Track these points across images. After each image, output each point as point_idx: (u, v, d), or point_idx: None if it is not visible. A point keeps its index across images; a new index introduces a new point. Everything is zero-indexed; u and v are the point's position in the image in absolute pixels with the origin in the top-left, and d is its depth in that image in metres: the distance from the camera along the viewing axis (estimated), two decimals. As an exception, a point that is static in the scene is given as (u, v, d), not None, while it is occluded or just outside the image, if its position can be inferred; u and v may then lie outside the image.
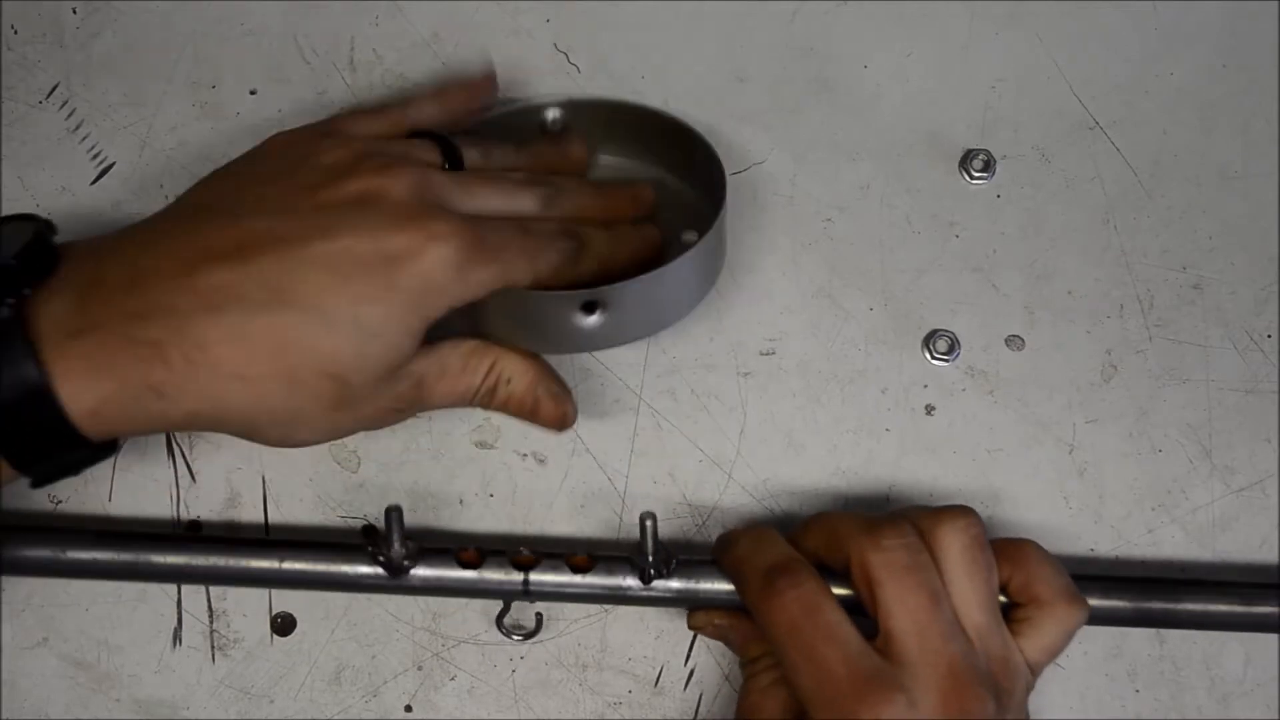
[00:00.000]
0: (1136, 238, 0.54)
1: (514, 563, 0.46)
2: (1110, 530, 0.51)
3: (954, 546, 0.42)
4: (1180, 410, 0.52)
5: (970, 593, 0.42)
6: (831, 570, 0.43)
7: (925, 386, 0.52)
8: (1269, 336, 0.53)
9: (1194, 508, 0.51)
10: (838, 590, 0.43)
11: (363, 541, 0.47)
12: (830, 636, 0.40)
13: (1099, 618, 0.47)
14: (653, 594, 0.46)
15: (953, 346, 0.52)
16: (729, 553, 0.45)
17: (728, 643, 0.48)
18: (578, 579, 0.46)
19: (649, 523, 0.45)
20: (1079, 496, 0.51)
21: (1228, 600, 0.47)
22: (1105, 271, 0.53)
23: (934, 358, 0.52)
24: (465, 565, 0.46)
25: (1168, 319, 0.53)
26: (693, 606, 0.48)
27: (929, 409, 0.52)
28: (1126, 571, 0.50)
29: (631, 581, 0.46)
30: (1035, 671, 0.43)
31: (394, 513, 0.45)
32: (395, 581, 0.46)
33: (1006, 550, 0.44)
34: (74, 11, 0.56)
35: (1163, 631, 0.50)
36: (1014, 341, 0.53)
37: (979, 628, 0.41)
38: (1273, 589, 0.48)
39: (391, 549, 0.45)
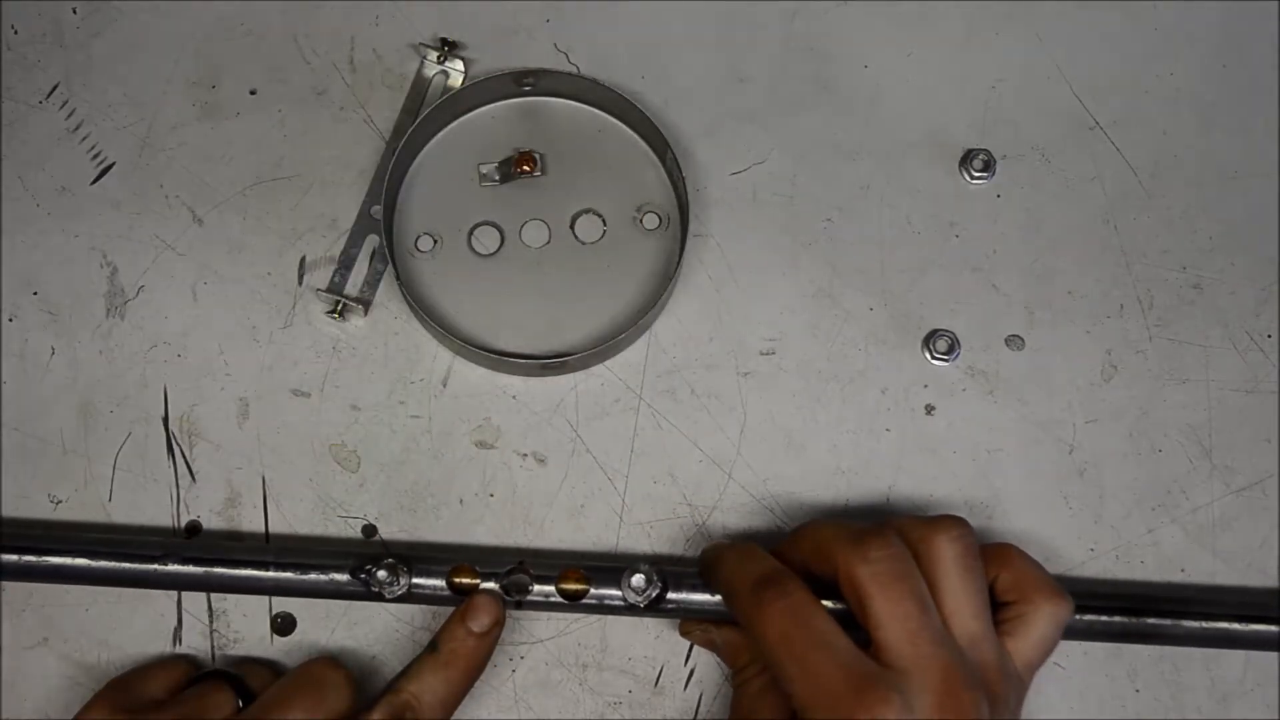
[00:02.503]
0: (1136, 238, 0.54)
1: (504, 589, 0.46)
2: (1110, 530, 0.51)
3: (948, 556, 0.42)
4: (1180, 410, 0.52)
5: (964, 602, 0.42)
6: (820, 581, 0.43)
7: (925, 386, 0.52)
8: (1269, 336, 0.53)
9: (1194, 508, 0.51)
10: (827, 603, 0.43)
11: (355, 566, 0.47)
12: (822, 643, 0.40)
13: (1095, 632, 0.47)
14: (642, 612, 0.47)
15: (953, 346, 0.52)
16: (716, 570, 0.45)
17: (716, 651, 0.48)
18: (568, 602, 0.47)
19: (639, 576, 0.45)
20: (1079, 496, 0.51)
21: (1225, 619, 0.47)
22: (1105, 271, 0.53)
23: (934, 358, 0.52)
24: (458, 592, 0.46)
25: (1168, 319, 0.53)
26: (683, 617, 0.48)
27: (929, 409, 0.52)
28: (1126, 576, 0.50)
29: (620, 604, 0.46)
30: (1031, 671, 0.43)
31: (391, 563, 0.46)
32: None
33: (990, 554, 0.44)
34: (74, 11, 0.56)
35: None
36: (1014, 341, 0.53)
37: (973, 635, 0.42)
38: (1271, 606, 0.48)
39: (383, 587, 0.46)
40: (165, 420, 0.51)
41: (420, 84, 0.55)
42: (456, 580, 0.46)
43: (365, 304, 0.52)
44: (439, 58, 0.55)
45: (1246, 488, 0.51)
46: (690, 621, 0.48)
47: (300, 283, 0.53)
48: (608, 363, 0.52)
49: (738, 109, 0.55)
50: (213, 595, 0.49)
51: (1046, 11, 0.57)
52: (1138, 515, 0.51)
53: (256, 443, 0.51)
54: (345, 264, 0.53)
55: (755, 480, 0.51)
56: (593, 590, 0.46)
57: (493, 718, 0.49)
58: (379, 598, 0.46)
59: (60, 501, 0.50)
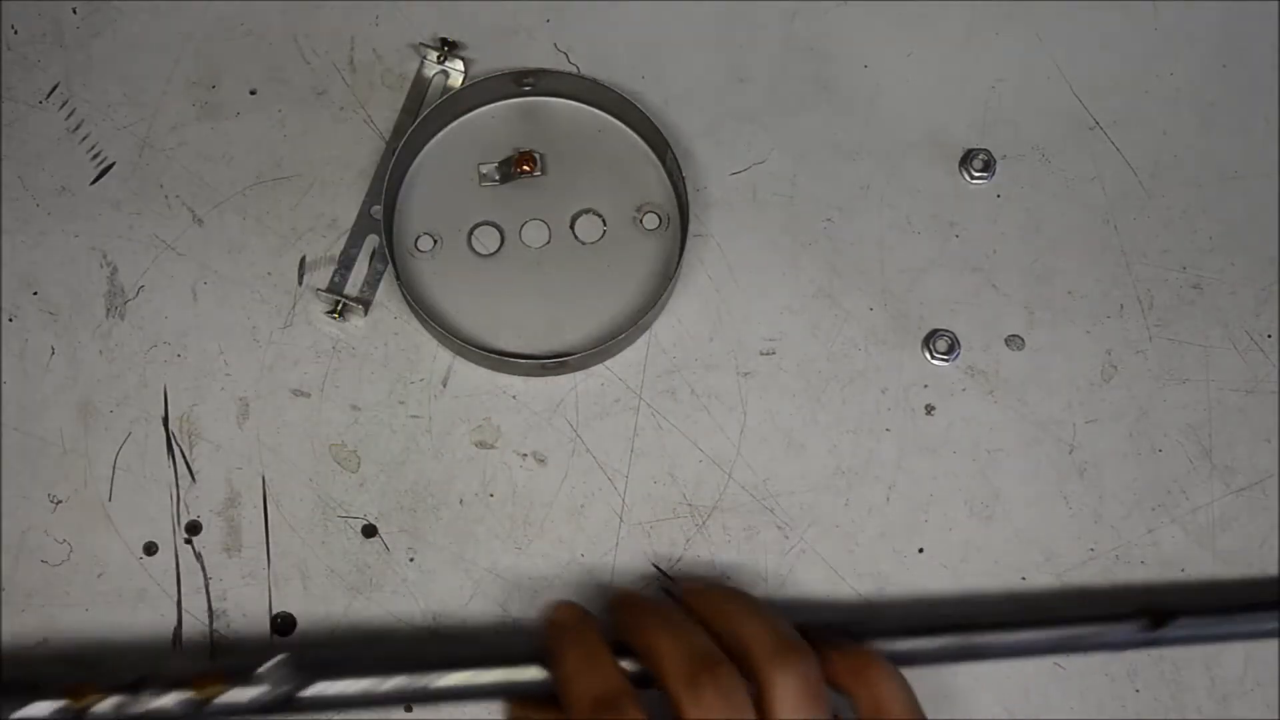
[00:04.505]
0: (1136, 238, 0.54)
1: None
2: (1110, 530, 0.51)
3: (786, 700, 0.40)
4: (1180, 410, 0.52)
5: None
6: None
7: (925, 386, 0.52)
8: (1269, 336, 0.53)
9: (1194, 508, 0.51)
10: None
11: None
12: None
13: (1099, 643, 0.47)
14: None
15: (953, 346, 0.52)
16: (555, 666, 0.43)
17: None
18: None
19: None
20: (1079, 496, 0.51)
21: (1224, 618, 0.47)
22: (1105, 271, 0.53)
23: (934, 358, 0.52)
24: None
25: (1168, 319, 0.53)
26: (510, 698, 0.45)
27: (929, 409, 0.52)
28: (1126, 576, 0.50)
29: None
30: None
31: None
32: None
33: (847, 664, 0.43)
34: (74, 11, 0.56)
35: (1163, 631, 0.50)
36: (1014, 341, 0.53)
37: None
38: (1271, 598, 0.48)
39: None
40: (165, 420, 0.51)
41: (420, 84, 0.55)
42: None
43: (365, 304, 0.52)
44: (439, 58, 0.55)
45: (1246, 488, 0.51)
46: (514, 705, 0.45)
47: (300, 283, 0.53)
48: (608, 363, 0.52)
49: (738, 109, 0.55)
50: (213, 595, 0.49)
51: (1046, 11, 0.57)
52: (1138, 515, 0.51)
53: (256, 443, 0.51)
54: (345, 264, 0.53)
55: (755, 480, 0.51)
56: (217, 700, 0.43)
57: (493, 718, 0.48)
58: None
59: (60, 502, 0.50)
